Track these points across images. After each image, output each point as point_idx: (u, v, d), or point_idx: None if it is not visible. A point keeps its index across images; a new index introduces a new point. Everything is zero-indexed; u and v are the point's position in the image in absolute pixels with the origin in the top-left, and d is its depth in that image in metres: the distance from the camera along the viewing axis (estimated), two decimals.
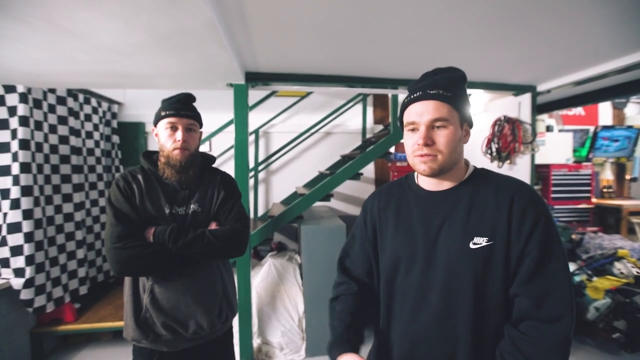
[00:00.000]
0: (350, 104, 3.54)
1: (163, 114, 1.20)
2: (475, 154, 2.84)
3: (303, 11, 1.38)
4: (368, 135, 3.60)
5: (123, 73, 1.85)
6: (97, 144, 2.85)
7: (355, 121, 3.67)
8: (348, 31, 1.58)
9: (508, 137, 2.45)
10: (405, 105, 0.87)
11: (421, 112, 0.82)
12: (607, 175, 4.19)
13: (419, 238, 0.87)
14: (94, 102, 2.84)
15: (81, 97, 2.68)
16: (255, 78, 2.18)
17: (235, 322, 2.14)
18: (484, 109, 2.86)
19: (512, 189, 0.82)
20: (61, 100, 2.44)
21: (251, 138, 3.45)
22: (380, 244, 0.95)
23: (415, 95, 0.84)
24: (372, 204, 1.00)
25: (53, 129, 2.37)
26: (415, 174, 0.95)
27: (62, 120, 2.45)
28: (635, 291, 2.62)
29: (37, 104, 2.22)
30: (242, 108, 2.13)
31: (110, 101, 3.17)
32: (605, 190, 4.19)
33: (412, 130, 0.84)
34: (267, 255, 2.82)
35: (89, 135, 2.77)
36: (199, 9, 1.16)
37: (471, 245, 0.79)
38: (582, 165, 3.49)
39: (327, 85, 2.33)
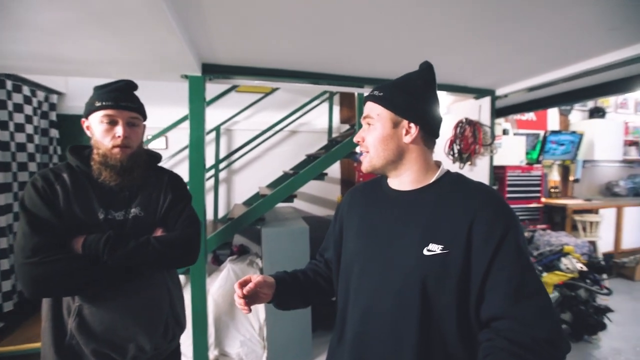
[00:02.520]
0: (317, 102, 3.46)
1: (98, 104, 1.03)
2: (439, 155, 2.89)
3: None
4: (334, 135, 3.54)
5: (60, 58, 1.61)
6: (30, 138, 2.51)
7: (321, 120, 3.60)
8: (314, 25, 1.49)
9: (469, 139, 2.50)
10: (363, 103, 0.91)
11: (366, 111, 0.86)
12: (554, 176, 4.50)
13: (378, 239, 0.83)
14: (26, 90, 2.50)
15: (9, 83, 2.34)
16: (213, 70, 2.02)
17: (189, 333, 1.97)
18: (447, 111, 2.92)
19: (479, 197, 0.77)
20: None
21: (212, 135, 3.25)
22: (343, 241, 0.93)
23: (368, 94, 0.88)
24: (345, 200, 1.00)
25: None
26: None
27: None
28: (580, 285, 2.81)
29: None
30: (198, 102, 1.96)
31: (49, 90, 2.82)
32: (552, 190, 4.49)
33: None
34: (226, 260, 2.66)
35: (19, 128, 2.43)
36: None
37: (425, 252, 0.75)
38: (534, 167, 3.70)
39: (292, 81, 2.23)
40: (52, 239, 0.91)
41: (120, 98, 1.05)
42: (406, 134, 0.82)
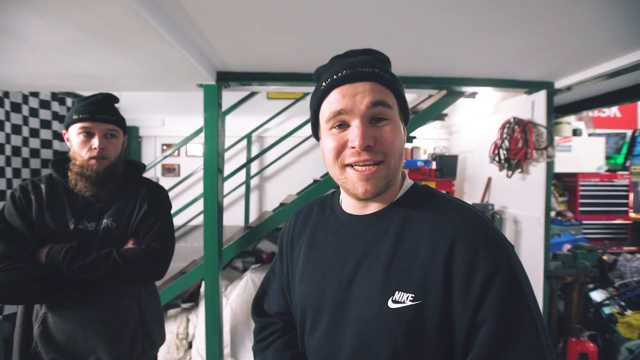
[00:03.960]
0: None
1: (75, 117, 1.05)
2: (483, 162, 2.51)
3: (260, 5, 1.20)
4: None
5: (83, 74, 1.75)
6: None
7: None
8: (328, 23, 1.39)
9: (518, 142, 2.11)
10: (325, 92, 0.59)
11: (352, 95, 0.56)
12: None
13: (328, 283, 0.63)
14: (69, 102, 2.82)
15: (69, 101, 2.66)
16: (229, 78, 2.02)
17: (202, 339, 1.97)
18: (494, 110, 2.53)
19: (455, 224, 0.55)
20: (45, 104, 2.43)
21: (244, 143, 3.32)
22: (290, 283, 0.73)
23: (340, 74, 0.57)
24: (288, 226, 0.78)
25: (35, 133, 2.35)
26: (341, 190, 0.69)
27: (46, 124, 2.43)
28: None
29: (16, 107, 2.20)
30: (212, 110, 1.97)
31: None
32: None
33: (339, 126, 0.58)
34: (249, 269, 2.64)
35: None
36: None
37: (390, 304, 0.55)
38: (618, 174, 3.02)
39: (311, 84, 2.13)
40: (17, 247, 0.94)
41: (97, 111, 1.06)
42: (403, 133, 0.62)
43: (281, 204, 2.53)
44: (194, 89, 2.04)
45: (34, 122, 2.34)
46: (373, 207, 0.64)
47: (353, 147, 0.56)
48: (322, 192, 2.29)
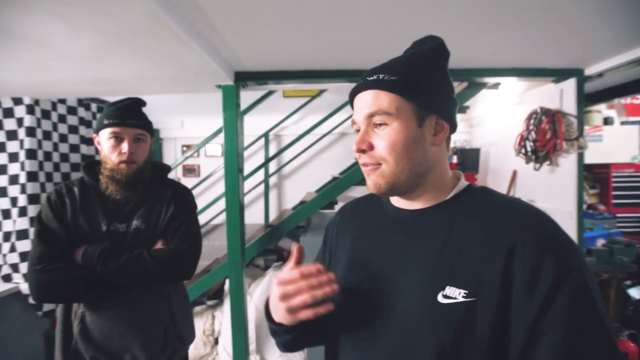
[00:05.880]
0: None
1: (106, 122, 1.08)
2: (507, 154, 2.42)
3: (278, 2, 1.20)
4: None
5: (106, 79, 1.80)
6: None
7: None
8: (338, 18, 1.36)
9: (546, 133, 2.02)
10: (350, 100, 0.67)
11: (359, 108, 0.62)
12: None
13: (371, 275, 0.62)
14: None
15: (94, 106, 2.75)
16: (246, 78, 2.03)
17: (228, 335, 2.01)
18: (519, 100, 2.43)
19: (519, 220, 0.54)
20: (72, 110, 2.52)
21: (262, 142, 3.34)
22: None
23: (356, 84, 0.64)
24: (334, 220, 0.79)
25: (64, 138, 2.45)
26: None
27: (73, 129, 2.52)
28: None
29: (46, 114, 2.30)
30: (231, 110, 1.99)
31: None
32: None
33: (358, 131, 0.64)
34: (271, 267, 2.67)
35: None
36: (131, 0, 1.02)
37: (440, 298, 0.53)
38: None
39: (327, 81, 2.12)
40: (55, 249, 0.98)
41: (127, 116, 1.09)
42: (435, 135, 0.61)
43: (301, 202, 2.53)
44: (213, 90, 2.07)
45: (62, 128, 2.44)
46: (421, 203, 0.63)
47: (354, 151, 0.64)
48: (344, 190, 2.27)
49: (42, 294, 0.96)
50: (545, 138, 2.01)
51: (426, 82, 0.61)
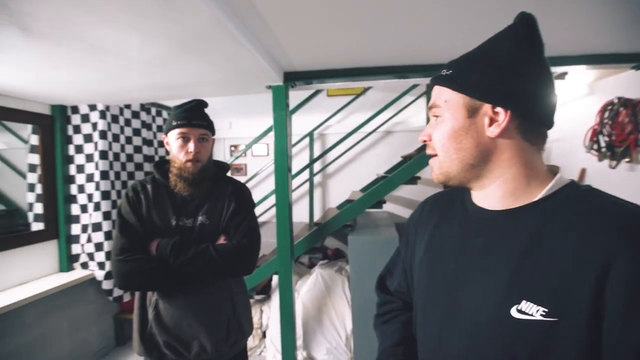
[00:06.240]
0: (411, 98, 3.16)
1: (174, 123, 1.16)
2: (575, 151, 2.21)
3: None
4: None
5: (167, 84, 1.93)
6: (167, 152, 3.14)
7: (418, 118, 3.28)
8: (388, 12, 1.33)
9: (625, 127, 1.81)
10: None
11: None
12: None
13: (444, 275, 0.61)
14: (165, 114, 3.13)
15: (153, 110, 2.98)
16: (294, 78, 2.07)
17: (275, 330, 2.06)
18: (589, 91, 2.21)
19: (622, 229, 0.45)
20: (135, 115, 2.74)
21: (306, 141, 3.38)
22: (412, 268, 0.74)
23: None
24: (415, 214, 0.79)
25: (129, 140, 2.68)
26: None
27: (136, 132, 2.75)
28: None
29: (115, 119, 2.53)
30: (280, 110, 2.04)
31: None
32: None
33: None
34: (317, 264, 2.69)
35: (161, 144, 3.05)
36: (197, 8, 1.08)
37: (514, 312, 0.48)
38: None
39: (375, 78, 2.08)
40: (135, 241, 1.07)
41: (193, 117, 1.16)
42: (490, 125, 0.55)
43: (347, 201, 2.52)
44: (263, 90, 2.13)
45: (128, 131, 2.67)
46: (499, 201, 0.57)
47: None
48: (392, 189, 2.23)
49: (125, 282, 1.06)
50: (624, 132, 1.79)
51: (480, 72, 0.56)
